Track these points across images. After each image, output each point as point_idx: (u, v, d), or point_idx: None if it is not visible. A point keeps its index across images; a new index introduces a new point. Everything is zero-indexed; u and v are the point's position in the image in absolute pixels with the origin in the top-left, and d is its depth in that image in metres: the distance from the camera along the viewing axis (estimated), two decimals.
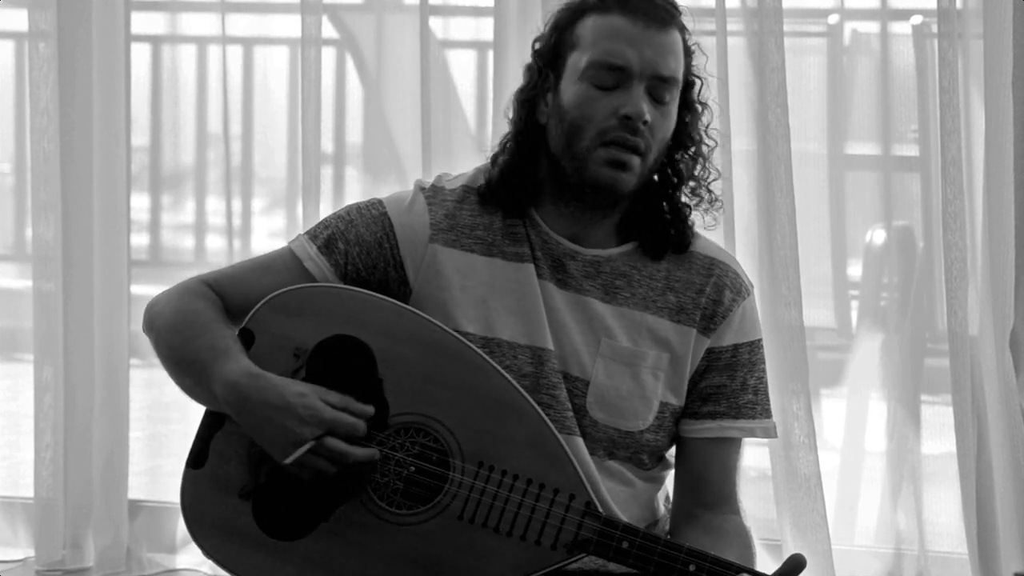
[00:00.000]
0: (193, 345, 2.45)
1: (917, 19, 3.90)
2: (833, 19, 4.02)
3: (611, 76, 2.42)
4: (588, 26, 2.45)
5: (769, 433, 2.54)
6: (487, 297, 2.47)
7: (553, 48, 2.48)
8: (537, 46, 2.51)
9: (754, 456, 4.00)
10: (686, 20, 2.51)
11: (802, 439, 3.75)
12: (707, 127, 2.53)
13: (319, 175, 3.94)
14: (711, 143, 2.53)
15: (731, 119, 3.74)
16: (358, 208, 2.54)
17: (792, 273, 3.74)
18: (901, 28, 3.93)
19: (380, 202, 2.54)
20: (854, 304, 4.11)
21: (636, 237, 2.52)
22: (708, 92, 2.53)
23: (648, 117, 2.41)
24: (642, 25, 2.42)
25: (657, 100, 2.44)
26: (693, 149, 2.51)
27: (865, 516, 3.99)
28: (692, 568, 2.30)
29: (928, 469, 3.89)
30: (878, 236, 3.99)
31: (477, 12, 4.08)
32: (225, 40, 4.05)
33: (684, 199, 2.52)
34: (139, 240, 4.33)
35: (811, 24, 4.07)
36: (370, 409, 2.39)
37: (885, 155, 3.92)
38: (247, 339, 2.46)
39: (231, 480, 2.44)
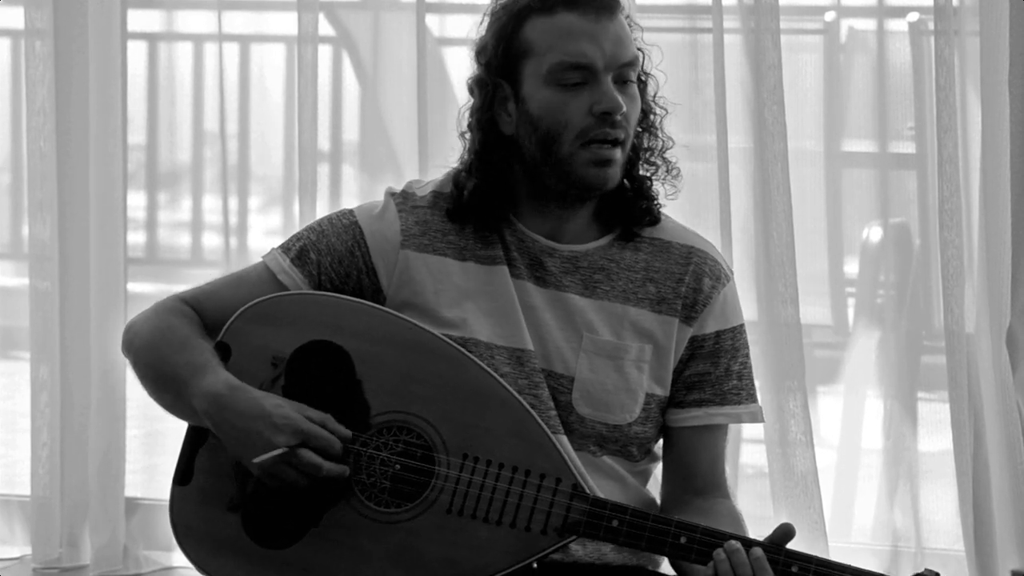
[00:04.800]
0: (171, 361, 2.45)
1: (913, 16, 3.90)
2: (829, 16, 4.02)
3: (576, 74, 2.41)
4: (537, 29, 2.43)
5: (756, 418, 2.54)
6: (462, 300, 2.47)
7: (502, 58, 2.45)
8: (483, 59, 2.48)
9: (751, 454, 4.01)
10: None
11: (799, 436, 3.75)
12: (654, 96, 2.52)
13: (316, 173, 3.94)
14: (661, 112, 2.53)
15: (727, 116, 3.75)
16: (329, 219, 2.54)
17: (788, 270, 3.74)
18: (897, 25, 3.93)
19: (351, 211, 2.55)
20: (851, 301, 4.11)
21: (612, 225, 2.52)
22: (649, 63, 2.51)
23: (625, 108, 2.41)
24: (593, 18, 2.41)
25: (624, 82, 2.44)
26: (646, 120, 2.50)
27: (862, 513, 3.99)
28: (683, 540, 2.31)
29: (925, 466, 3.89)
30: (874, 233, 3.99)
31: (474, 9, 4.04)
32: (221, 38, 4.05)
33: (642, 171, 2.51)
34: (136, 238, 4.33)
35: (807, 21, 4.07)
36: (348, 432, 2.39)
37: (881, 152, 3.92)
38: (224, 352, 2.46)
39: (218, 494, 2.44)
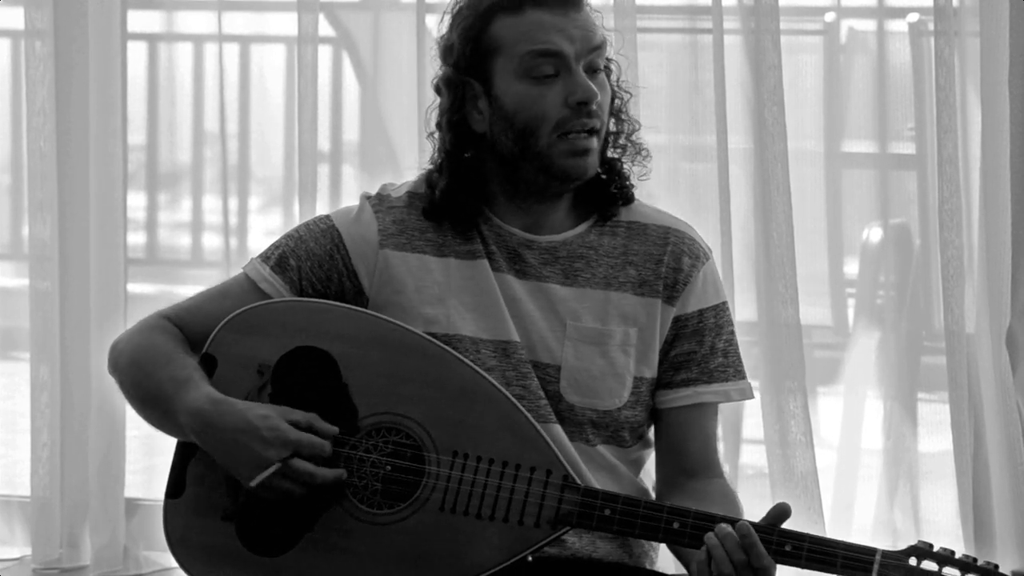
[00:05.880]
0: (155, 378, 2.46)
1: (913, 17, 3.91)
2: (829, 17, 4.03)
3: (549, 64, 2.42)
4: (505, 27, 2.44)
5: (745, 394, 2.54)
6: (444, 296, 2.48)
7: (471, 57, 2.46)
8: (450, 59, 2.49)
9: (751, 454, 4.01)
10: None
11: (799, 437, 3.75)
12: (618, 80, 2.53)
13: (316, 173, 3.94)
14: (625, 95, 2.54)
15: (727, 117, 3.75)
16: (306, 225, 2.55)
17: (789, 271, 3.74)
18: (897, 26, 3.93)
19: (327, 216, 2.56)
20: (851, 302, 4.11)
21: (588, 212, 2.52)
22: (610, 50, 2.52)
23: (599, 97, 2.43)
24: (560, 11, 2.43)
25: (594, 71, 2.45)
26: (612, 106, 2.51)
27: (862, 514, 3.99)
28: (676, 525, 2.31)
29: (925, 467, 3.89)
30: (875, 234, 3.99)
31: None
32: (221, 38, 4.05)
33: (610, 154, 2.52)
34: (136, 239, 4.33)
35: (807, 22, 4.08)
36: (334, 429, 2.39)
37: (881, 153, 3.93)
38: (209, 364, 2.46)
39: (211, 504, 2.44)
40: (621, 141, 2.53)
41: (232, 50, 4.18)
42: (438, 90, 2.51)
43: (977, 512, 3.72)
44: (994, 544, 3.72)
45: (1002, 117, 3.63)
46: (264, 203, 4.34)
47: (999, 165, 3.64)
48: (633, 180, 2.54)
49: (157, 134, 4.22)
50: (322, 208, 3.92)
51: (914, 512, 3.87)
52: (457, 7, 2.49)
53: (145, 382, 2.48)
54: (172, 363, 2.46)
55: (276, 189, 4.28)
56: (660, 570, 2.55)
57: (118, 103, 4.04)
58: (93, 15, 3.99)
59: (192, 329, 2.52)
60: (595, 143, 2.45)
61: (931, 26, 3.69)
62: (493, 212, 2.51)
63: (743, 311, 3.75)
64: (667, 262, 2.51)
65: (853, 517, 3.99)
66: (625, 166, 2.53)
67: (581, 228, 2.52)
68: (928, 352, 3.94)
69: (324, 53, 4.00)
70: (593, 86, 2.42)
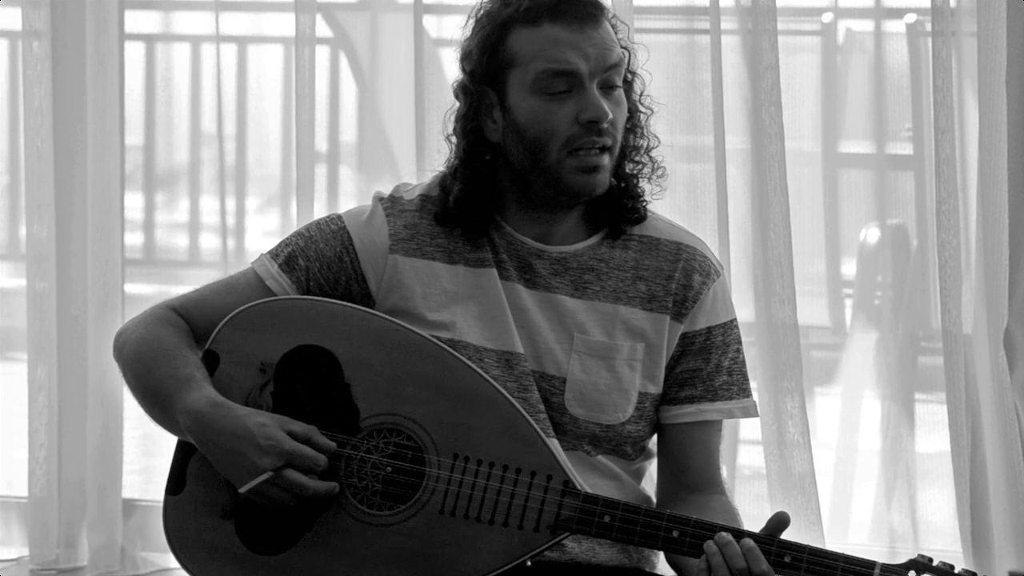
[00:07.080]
0: (157, 374, 2.46)
1: (911, 17, 3.90)
2: (827, 17, 4.02)
3: (562, 81, 2.42)
4: (521, 40, 2.43)
5: (749, 412, 2.54)
6: (450, 304, 2.48)
7: (487, 67, 2.46)
8: (467, 67, 2.49)
9: (748, 455, 4.01)
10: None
11: (796, 438, 3.75)
12: (640, 95, 2.53)
13: (313, 174, 3.94)
14: (647, 111, 2.53)
15: (725, 118, 3.75)
16: (317, 224, 2.55)
17: (786, 271, 3.74)
18: (895, 27, 3.93)
19: (339, 217, 2.55)
20: (848, 302, 4.11)
21: (600, 224, 2.52)
22: (636, 61, 2.52)
23: (611, 115, 2.42)
24: (577, 27, 2.42)
25: (610, 88, 2.44)
26: (632, 120, 2.51)
27: (859, 514, 3.99)
28: (675, 533, 2.32)
29: (922, 467, 3.89)
30: (872, 235, 3.99)
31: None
32: (219, 39, 4.05)
33: (628, 170, 2.51)
34: (133, 239, 4.32)
35: (805, 23, 4.07)
36: (332, 444, 2.39)
37: (879, 153, 3.92)
38: (212, 360, 2.47)
39: (211, 501, 2.44)
40: (640, 157, 2.51)
41: (229, 51, 4.18)
42: (456, 95, 2.51)
43: (974, 512, 3.72)
44: (991, 544, 3.72)
45: (999, 118, 3.63)
46: (262, 203, 4.34)
47: (996, 166, 3.64)
48: (647, 197, 2.53)
49: (154, 134, 4.22)
50: (319, 209, 3.92)
51: (911, 512, 3.87)
52: (478, 14, 2.48)
53: (146, 377, 2.48)
54: (174, 360, 2.46)
55: (273, 189, 4.27)
56: (661, 573, 2.55)
57: (115, 103, 4.04)
58: (90, 15, 4.00)
59: (197, 322, 2.52)
60: (606, 160, 2.44)
61: (928, 27, 3.69)
62: (505, 220, 2.51)
63: (740, 311, 3.71)
64: (677, 278, 2.51)
65: (850, 517, 4.00)
66: (641, 183, 2.52)
67: (593, 240, 2.52)
68: (925, 352, 3.94)
69: (321, 54, 4.01)
70: (605, 105, 2.41)
